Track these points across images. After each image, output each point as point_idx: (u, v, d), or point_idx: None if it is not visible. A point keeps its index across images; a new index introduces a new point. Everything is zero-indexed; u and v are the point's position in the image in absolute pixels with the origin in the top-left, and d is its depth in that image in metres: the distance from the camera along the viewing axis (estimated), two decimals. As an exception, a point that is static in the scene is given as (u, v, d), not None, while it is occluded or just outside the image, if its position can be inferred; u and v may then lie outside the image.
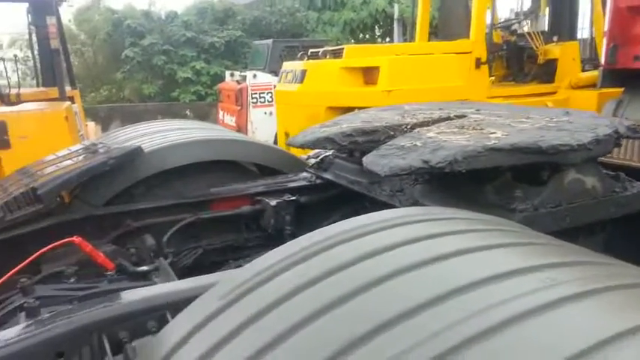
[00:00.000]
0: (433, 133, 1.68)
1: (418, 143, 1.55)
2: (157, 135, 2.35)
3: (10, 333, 1.04)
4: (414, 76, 4.85)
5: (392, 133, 1.83)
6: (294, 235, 2.07)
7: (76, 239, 1.61)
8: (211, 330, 0.78)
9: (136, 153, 1.95)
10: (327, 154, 2.31)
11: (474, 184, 1.56)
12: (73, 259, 1.74)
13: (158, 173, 2.16)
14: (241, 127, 9.09)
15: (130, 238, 1.91)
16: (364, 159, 1.59)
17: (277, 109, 6.48)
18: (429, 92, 4.55)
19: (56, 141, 3.20)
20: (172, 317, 1.09)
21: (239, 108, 9.40)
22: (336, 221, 0.98)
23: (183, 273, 1.76)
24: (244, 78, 9.53)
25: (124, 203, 2.10)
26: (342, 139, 1.86)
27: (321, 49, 5.61)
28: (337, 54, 5.26)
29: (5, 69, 6.14)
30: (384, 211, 1.01)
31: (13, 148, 2.99)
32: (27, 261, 1.53)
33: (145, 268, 1.66)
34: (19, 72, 6.72)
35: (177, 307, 1.11)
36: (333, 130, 1.94)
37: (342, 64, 5.07)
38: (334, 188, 2.14)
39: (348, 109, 3.84)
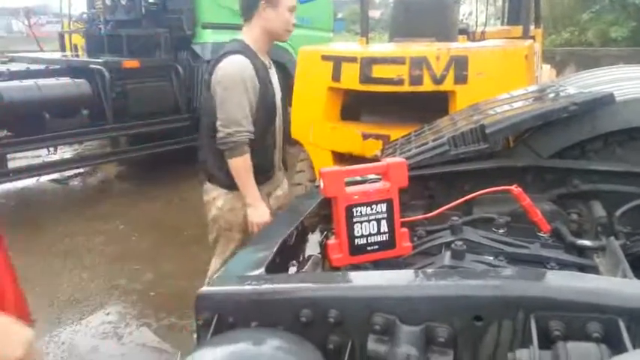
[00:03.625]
0: None
1: None
2: (632, 82, 1.90)
3: (434, 275, 0.99)
4: None
5: None
6: None
7: (515, 189, 1.46)
8: None
9: (605, 101, 1.60)
10: None
11: None
12: (506, 209, 1.61)
13: (625, 129, 1.75)
14: None
15: (573, 201, 1.63)
16: None
17: None
18: None
19: (513, 80, 3.09)
20: (626, 328, 0.80)
21: None
22: None
23: (631, 264, 1.37)
24: None
25: (573, 158, 1.81)
26: None
27: None
28: None
29: (476, 8, 6.45)
30: None
31: (469, 83, 3.06)
32: (463, 199, 1.48)
33: (587, 242, 1.36)
34: (487, 11, 6.96)
35: (634, 317, 0.81)
36: None
37: None
38: None
39: None
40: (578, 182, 1.61)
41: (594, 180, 1.62)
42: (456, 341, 0.92)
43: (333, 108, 3.53)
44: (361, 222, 1.39)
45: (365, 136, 3.18)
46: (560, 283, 0.89)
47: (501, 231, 1.50)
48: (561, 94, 1.82)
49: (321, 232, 1.54)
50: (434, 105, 3.28)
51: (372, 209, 1.40)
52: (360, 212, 1.39)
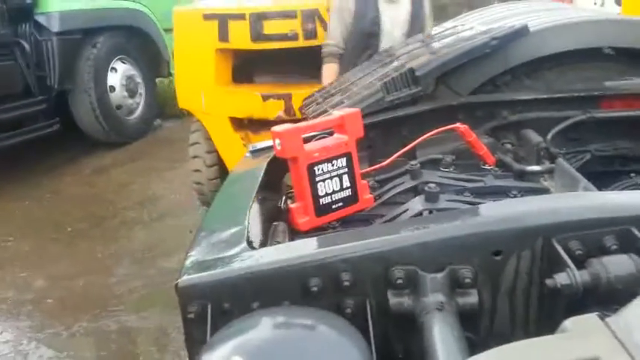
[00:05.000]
0: None
1: None
2: (533, 15, 2.01)
3: (442, 217, 0.95)
4: None
5: None
6: None
7: (461, 127, 1.48)
8: None
9: (522, 33, 1.67)
10: None
11: None
12: (449, 147, 1.64)
13: (532, 60, 1.86)
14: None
15: (503, 132, 1.71)
16: None
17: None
18: None
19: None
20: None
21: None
22: None
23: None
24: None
25: (487, 93, 1.90)
26: None
27: None
28: None
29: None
30: None
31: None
32: (416, 142, 1.47)
33: (536, 167, 1.44)
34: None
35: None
36: None
37: None
38: None
39: None
40: (506, 114, 1.68)
41: (519, 110, 1.70)
42: (477, 280, 0.90)
43: (224, 71, 3.33)
44: (324, 180, 1.31)
45: (265, 98, 3.06)
46: (573, 204, 0.91)
47: (450, 169, 1.52)
48: (475, 31, 1.87)
49: (281, 197, 1.44)
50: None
51: (333, 165, 1.32)
52: (322, 170, 1.31)
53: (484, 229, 0.90)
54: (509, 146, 1.65)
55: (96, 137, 5.65)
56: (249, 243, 1.06)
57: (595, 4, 7.50)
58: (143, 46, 6.10)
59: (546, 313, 0.93)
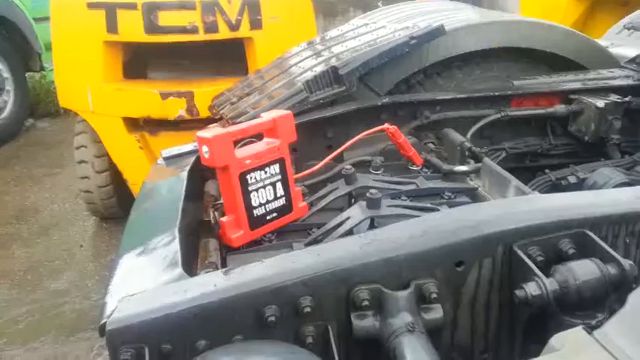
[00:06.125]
0: None
1: None
2: (441, 14, 2.05)
3: (401, 229, 0.90)
4: None
5: None
6: (619, 146, 1.69)
7: (391, 128, 1.45)
8: None
9: (438, 32, 1.68)
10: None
11: None
12: (377, 149, 1.61)
13: (444, 59, 1.90)
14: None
15: (426, 131, 1.71)
16: None
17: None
18: None
19: (304, 23, 3.12)
20: (595, 236, 0.85)
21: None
22: None
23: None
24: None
25: (401, 92, 1.90)
26: None
27: None
28: None
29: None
30: None
31: (264, 29, 2.96)
32: (348, 144, 1.41)
33: (463, 167, 1.45)
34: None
35: (598, 227, 0.86)
36: None
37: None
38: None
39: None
40: (428, 113, 1.68)
41: (438, 109, 1.72)
42: (441, 293, 0.86)
43: (114, 66, 3.03)
44: (257, 189, 1.21)
45: (164, 96, 2.82)
46: (530, 208, 0.90)
47: (380, 172, 1.48)
48: (389, 29, 1.86)
49: (205, 208, 1.30)
50: (229, 54, 3.09)
51: (265, 173, 1.22)
52: (255, 178, 1.20)
53: (448, 240, 0.86)
54: (431, 146, 1.66)
55: (-44, 142, 4.90)
56: (186, 268, 0.93)
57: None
58: (10, 37, 5.40)
59: (507, 322, 0.92)
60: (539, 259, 0.85)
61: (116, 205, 3.37)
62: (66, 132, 3.36)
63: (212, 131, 1.13)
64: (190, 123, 2.90)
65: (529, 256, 0.85)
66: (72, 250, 3.27)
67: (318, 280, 0.82)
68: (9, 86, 5.40)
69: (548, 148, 1.76)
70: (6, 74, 5.36)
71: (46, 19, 3.88)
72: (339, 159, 1.58)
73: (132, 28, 2.81)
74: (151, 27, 2.77)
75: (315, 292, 0.82)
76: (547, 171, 1.57)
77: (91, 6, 2.88)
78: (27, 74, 5.87)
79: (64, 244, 3.33)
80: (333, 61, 1.70)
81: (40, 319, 2.56)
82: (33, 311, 2.62)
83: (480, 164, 1.42)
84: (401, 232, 0.88)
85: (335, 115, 1.60)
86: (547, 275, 0.82)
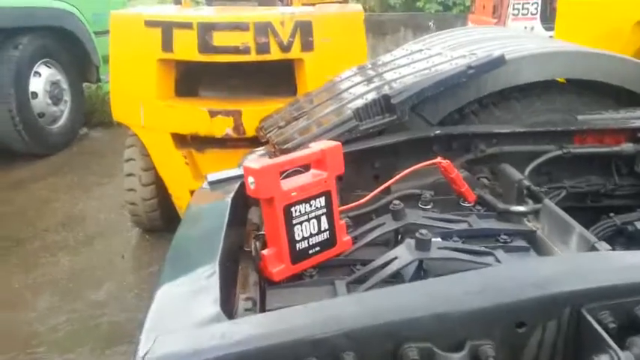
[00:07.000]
0: None
1: None
2: (496, 42, 1.97)
3: (458, 282, 0.82)
4: None
5: None
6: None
7: (443, 162, 1.37)
8: None
9: (498, 62, 1.61)
10: None
11: None
12: (427, 182, 1.54)
13: (502, 89, 1.82)
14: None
15: (479, 166, 1.63)
16: None
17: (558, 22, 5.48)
18: None
19: (355, 45, 3.10)
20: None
21: (495, 21, 8.45)
22: None
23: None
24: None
25: (454, 123, 1.83)
26: None
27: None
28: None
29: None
30: None
31: (315, 50, 2.95)
32: (398, 177, 1.34)
33: (521, 208, 1.35)
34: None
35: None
36: None
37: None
38: None
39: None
40: (483, 147, 1.60)
41: (494, 143, 1.63)
42: (499, 357, 0.78)
43: (166, 83, 3.08)
44: (301, 222, 1.16)
45: (212, 114, 2.84)
46: (601, 267, 0.82)
47: (429, 206, 1.41)
48: (446, 57, 1.79)
49: (247, 237, 1.26)
50: (279, 74, 3.10)
51: (311, 205, 1.17)
52: (299, 211, 1.16)
53: (509, 298, 0.78)
54: (485, 181, 1.57)
55: (14, 148, 5.10)
56: (224, 307, 0.89)
57: (525, 28, 7.88)
58: (71, 49, 5.64)
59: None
60: (611, 325, 0.76)
61: (159, 218, 3.41)
62: (118, 142, 3.42)
63: (259, 162, 1.10)
64: (237, 141, 2.90)
65: (599, 322, 0.76)
66: (114, 260, 3.32)
67: (362, 333, 0.76)
68: (67, 97, 5.62)
69: (613, 188, 1.63)
70: (65, 85, 5.59)
71: (105, 32, 4.02)
72: (386, 190, 1.51)
73: (186, 47, 2.86)
74: (205, 46, 2.81)
75: (359, 347, 0.76)
76: (612, 215, 1.45)
77: (148, 24, 2.95)
78: (84, 84, 6.10)
79: (107, 254, 3.39)
80: (386, 89, 1.65)
81: (79, 329, 2.59)
82: (72, 320, 2.65)
83: (539, 205, 1.32)
84: (456, 286, 0.81)
85: (384, 145, 1.54)
86: (621, 347, 0.72)
